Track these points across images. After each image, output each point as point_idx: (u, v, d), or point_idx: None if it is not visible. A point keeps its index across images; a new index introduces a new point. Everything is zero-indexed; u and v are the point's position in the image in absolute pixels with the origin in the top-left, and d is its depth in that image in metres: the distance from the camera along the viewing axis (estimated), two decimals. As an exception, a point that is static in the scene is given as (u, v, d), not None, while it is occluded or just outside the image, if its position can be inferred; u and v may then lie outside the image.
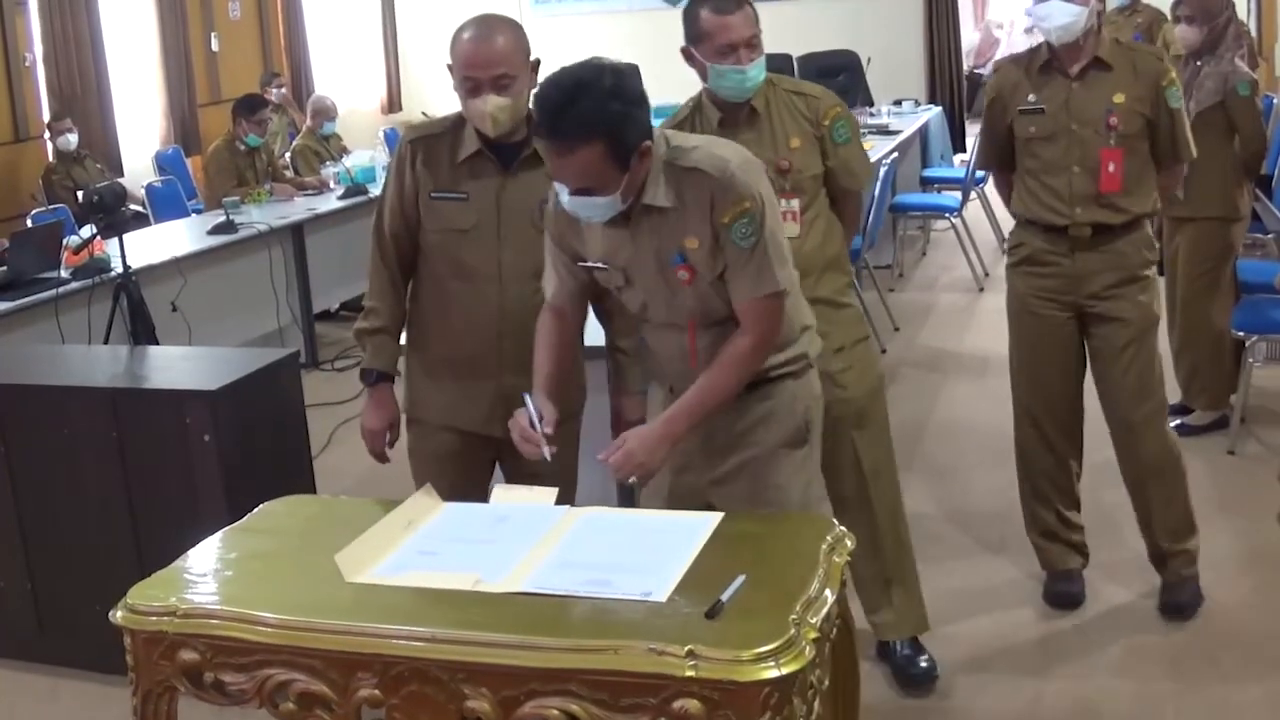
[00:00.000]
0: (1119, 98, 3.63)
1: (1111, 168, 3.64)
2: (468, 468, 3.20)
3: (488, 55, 2.97)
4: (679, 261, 2.68)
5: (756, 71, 3.26)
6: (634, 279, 2.76)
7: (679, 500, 2.84)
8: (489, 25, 3.03)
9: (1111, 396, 3.86)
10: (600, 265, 2.77)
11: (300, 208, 7.57)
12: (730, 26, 3.21)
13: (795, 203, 3.34)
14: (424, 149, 3.13)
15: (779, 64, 11.43)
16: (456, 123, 3.13)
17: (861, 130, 9.69)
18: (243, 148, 8.07)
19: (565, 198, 2.60)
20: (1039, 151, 3.74)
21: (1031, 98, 3.73)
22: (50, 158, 8.72)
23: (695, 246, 2.66)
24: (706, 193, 2.62)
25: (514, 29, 3.04)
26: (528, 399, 2.71)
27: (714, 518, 2.51)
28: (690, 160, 2.64)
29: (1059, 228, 3.74)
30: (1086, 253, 3.73)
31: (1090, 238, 3.71)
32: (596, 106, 2.48)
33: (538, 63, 3.05)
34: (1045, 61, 3.72)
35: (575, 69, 2.55)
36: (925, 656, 3.61)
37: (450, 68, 3.02)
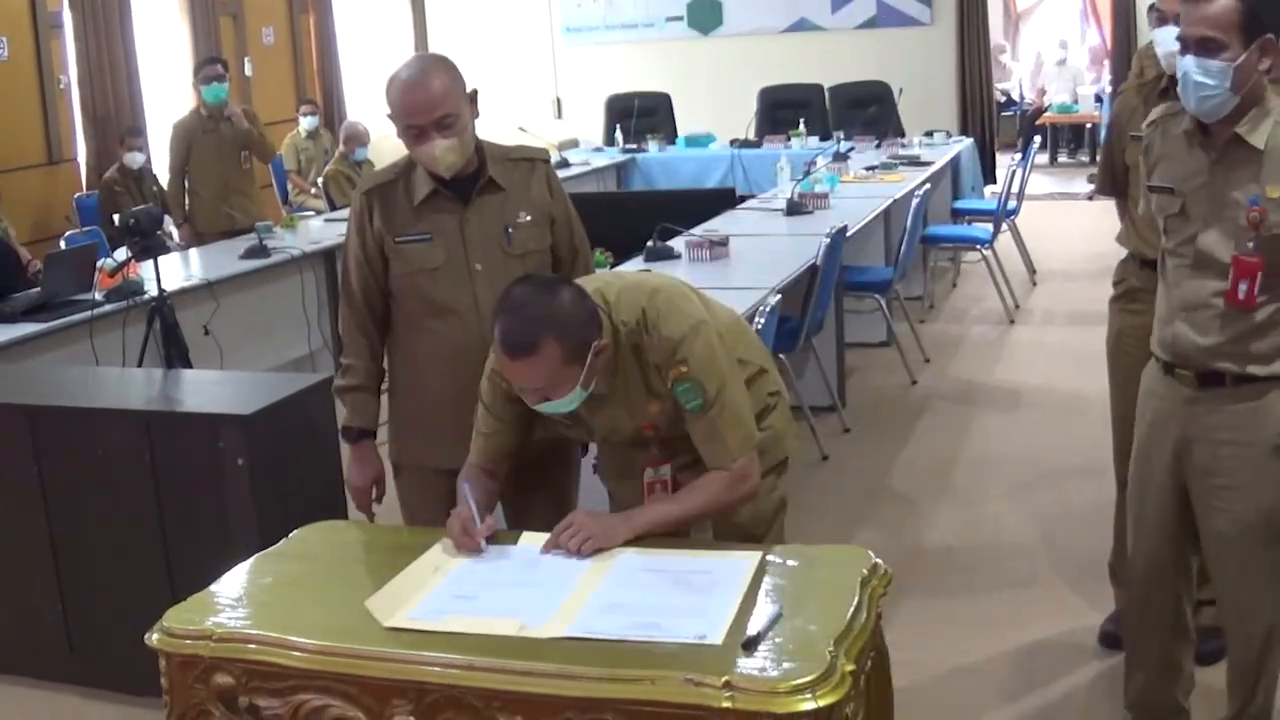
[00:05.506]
0: None
1: None
2: None
3: (427, 100, 2.92)
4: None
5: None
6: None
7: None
8: (422, 69, 2.99)
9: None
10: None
11: (332, 233, 7.59)
12: None
13: None
14: (379, 198, 3.11)
15: (807, 95, 11.49)
16: (407, 167, 3.10)
17: (893, 161, 9.50)
18: (204, 112, 7.96)
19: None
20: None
21: (1144, 126, 3.55)
22: (114, 171, 8.67)
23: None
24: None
25: (447, 66, 3.00)
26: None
27: (755, 556, 2.50)
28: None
29: (1153, 261, 3.51)
30: None
31: None
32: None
33: (475, 93, 3.03)
34: (1164, 90, 3.57)
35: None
36: None
37: (390, 117, 3.00)
